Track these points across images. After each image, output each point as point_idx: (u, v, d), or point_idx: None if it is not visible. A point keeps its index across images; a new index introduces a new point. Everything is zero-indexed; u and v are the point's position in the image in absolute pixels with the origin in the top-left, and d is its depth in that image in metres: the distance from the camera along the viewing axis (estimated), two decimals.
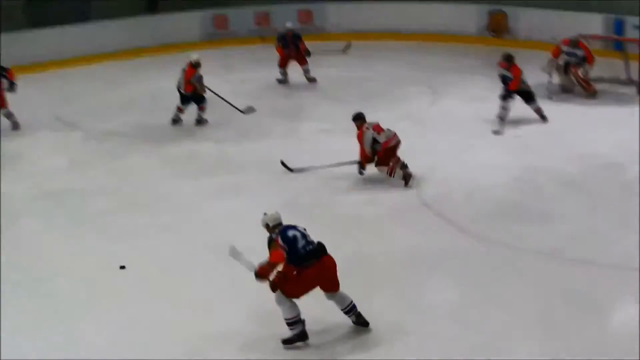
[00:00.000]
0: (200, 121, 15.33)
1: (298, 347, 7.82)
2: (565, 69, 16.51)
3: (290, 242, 7.73)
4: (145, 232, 10.53)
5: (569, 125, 14.57)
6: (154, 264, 9.64)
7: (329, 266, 7.81)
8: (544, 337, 7.87)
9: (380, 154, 11.78)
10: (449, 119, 15.28)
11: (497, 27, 21.90)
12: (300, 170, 12.43)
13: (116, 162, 13.30)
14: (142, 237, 10.36)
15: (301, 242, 7.76)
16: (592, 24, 19.33)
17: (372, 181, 11.98)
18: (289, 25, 18.35)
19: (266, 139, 14.35)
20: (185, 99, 15.14)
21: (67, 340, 8.11)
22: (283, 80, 18.17)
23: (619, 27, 19.56)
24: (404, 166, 11.78)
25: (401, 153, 11.98)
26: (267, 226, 7.99)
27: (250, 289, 8.15)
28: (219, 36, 22.82)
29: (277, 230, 7.88)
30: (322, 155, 12.69)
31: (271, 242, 7.85)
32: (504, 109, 14.69)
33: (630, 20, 19.36)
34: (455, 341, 7.83)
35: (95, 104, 16.88)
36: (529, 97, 14.99)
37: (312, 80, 18.15)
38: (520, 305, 8.44)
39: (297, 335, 7.76)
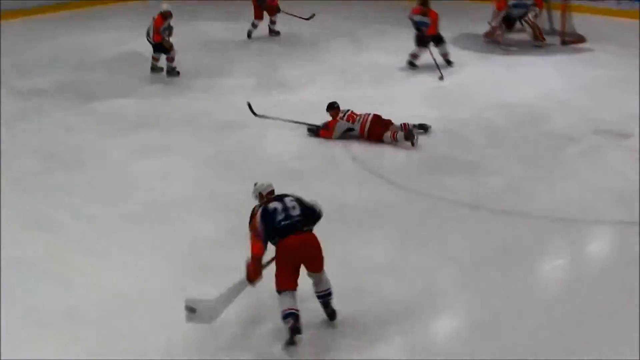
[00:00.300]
0: (170, 72, 15.17)
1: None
2: (508, 23, 16.70)
3: (268, 218, 7.15)
4: (73, 190, 10.30)
5: (494, 76, 14.78)
6: (82, 223, 9.43)
7: (307, 243, 7.14)
8: (477, 288, 7.92)
9: (365, 136, 11.71)
10: (374, 71, 15.36)
11: None
12: (263, 116, 12.37)
13: (42, 120, 12.99)
14: (70, 196, 10.14)
15: (279, 216, 7.15)
16: None
17: (302, 136, 11.96)
18: None
19: (192, 94, 14.23)
20: (156, 48, 15.04)
21: None
22: (250, 34, 18.01)
23: None
24: (406, 128, 11.59)
25: (323, 105, 12.04)
26: (260, 196, 7.54)
27: (182, 245, 8.13)
28: None
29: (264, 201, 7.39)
30: (256, 109, 12.62)
31: (251, 219, 7.37)
32: (416, 55, 15.14)
33: None
34: (391, 295, 7.80)
35: (19, 60, 16.45)
36: (440, 40, 15.26)
37: (276, 33, 18.10)
38: (452, 257, 8.46)
39: (289, 328, 6.96)
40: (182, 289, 7.52)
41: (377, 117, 11.72)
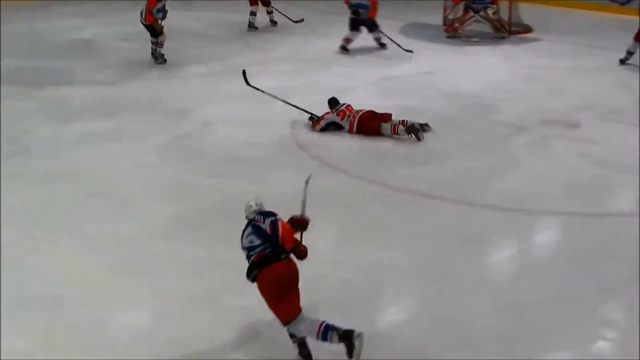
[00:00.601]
0: (156, 57, 15.02)
1: None
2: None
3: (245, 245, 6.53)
4: (23, 179, 10.07)
5: (443, 67, 14.87)
6: (29, 210, 9.23)
7: (283, 275, 6.37)
8: (428, 276, 7.89)
9: (354, 132, 11.49)
10: (327, 60, 15.35)
11: None
12: (256, 88, 12.24)
13: None
14: (16, 183, 9.89)
15: (253, 243, 6.46)
16: None
17: (253, 124, 11.91)
18: None
19: (145, 81, 14.14)
20: (149, 31, 14.90)
21: None
22: (253, 24, 17.80)
23: None
24: (405, 123, 11.30)
25: (278, 92, 12.05)
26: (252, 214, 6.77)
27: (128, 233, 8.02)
28: None
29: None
30: (208, 98, 12.71)
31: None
32: (350, 40, 15.67)
33: None
34: (342, 283, 7.74)
35: None
36: (374, 25, 15.69)
37: (274, 23, 18.03)
38: (403, 245, 8.44)
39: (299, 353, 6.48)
40: (126, 277, 7.54)
41: (370, 113, 11.51)
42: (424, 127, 11.37)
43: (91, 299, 7.42)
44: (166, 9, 14.84)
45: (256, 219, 6.65)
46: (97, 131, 11.62)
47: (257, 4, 17.80)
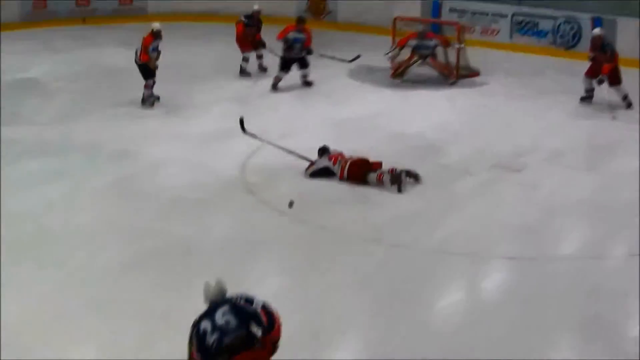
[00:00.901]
0: (144, 100, 14.75)
1: None
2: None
3: (200, 344, 5.63)
4: None
5: (390, 109, 14.89)
6: None
7: None
8: (374, 322, 7.84)
9: (344, 178, 11.26)
10: (270, 102, 15.35)
11: (317, 10, 22.11)
12: (253, 136, 12.13)
13: None
14: None
15: (209, 339, 5.57)
16: (411, 6, 19.79)
17: (198, 166, 11.80)
18: (256, 7, 17.46)
19: (86, 122, 13.98)
20: (143, 71, 14.63)
21: None
22: (245, 70, 17.25)
23: (436, 10, 20.08)
24: (393, 172, 11.05)
25: (226, 135, 11.97)
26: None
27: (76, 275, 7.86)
28: (39, 17, 21.88)
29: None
30: (153, 139, 12.64)
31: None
32: (280, 78, 15.99)
33: (448, 3, 19.92)
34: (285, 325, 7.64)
35: None
36: (305, 63, 16.09)
37: (264, 69, 17.41)
38: (348, 290, 8.38)
39: None
40: (74, 322, 7.43)
41: (361, 161, 11.33)
42: (414, 176, 11.19)
43: (25, 346, 7.27)
44: (159, 49, 14.66)
45: (237, 300, 5.89)
46: (37, 172, 11.47)
47: (250, 49, 17.23)
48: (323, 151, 11.60)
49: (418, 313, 8.00)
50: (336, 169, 11.34)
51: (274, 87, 15.98)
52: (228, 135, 12.46)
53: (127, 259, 8.83)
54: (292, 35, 15.91)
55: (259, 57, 17.35)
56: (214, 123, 13.51)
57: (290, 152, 11.83)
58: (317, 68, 16.44)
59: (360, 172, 11.21)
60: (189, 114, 14.39)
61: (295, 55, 16.04)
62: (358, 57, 16.82)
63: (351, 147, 12.05)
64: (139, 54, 14.60)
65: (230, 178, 11.41)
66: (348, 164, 11.28)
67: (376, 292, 8.35)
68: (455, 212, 10.36)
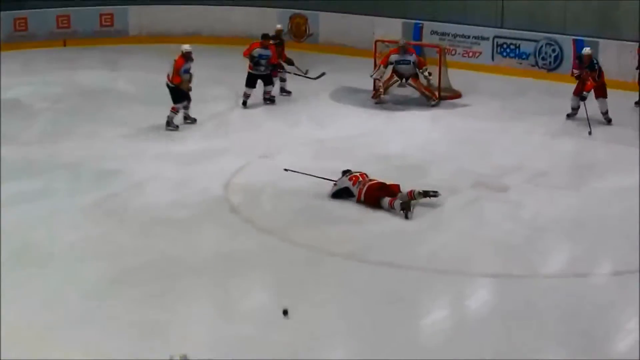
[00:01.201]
0: (169, 123, 14.55)
1: None
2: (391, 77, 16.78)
3: None
4: None
5: (373, 129, 14.91)
6: None
7: None
8: (363, 339, 7.83)
9: (362, 201, 11.19)
10: (253, 121, 15.37)
11: (298, 32, 22.22)
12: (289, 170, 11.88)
13: None
14: None
15: None
16: (392, 28, 19.84)
17: (182, 185, 11.83)
18: (279, 26, 17.75)
19: (70, 141, 13.96)
20: (174, 94, 14.46)
21: None
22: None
23: (417, 32, 20.14)
24: (405, 197, 10.97)
25: (210, 154, 11.98)
26: None
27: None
28: (20, 38, 21.86)
29: None
30: (130, 158, 12.61)
31: None
32: (248, 95, 16.14)
33: (429, 26, 19.99)
34: (273, 345, 7.64)
35: None
36: (269, 81, 16.34)
37: (288, 92, 17.24)
38: (335, 308, 8.41)
39: None
40: (59, 337, 7.43)
41: (379, 184, 11.27)
42: (432, 194, 11.11)
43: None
44: (191, 71, 14.54)
45: None
46: (22, 192, 11.44)
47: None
48: (345, 172, 11.55)
49: (403, 330, 8.00)
50: (355, 190, 11.29)
51: (244, 104, 16.08)
52: (212, 154, 12.46)
53: (112, 276, 8.81)
54: (257, 52, 15.98)
55: (283, 80, 17.20)
56: (198, 142, 13.50)
57: (324, 178, 11.67)
58: (300, 90, 16.55)
59: (376, 195, 11.12)
60: (173, 133, 14.41)
61: (262, 72, 16.11)
62: (323, 74, 17.10)
63: (331, 167, 12.05)
64: (170, 76, 14.45)
65: (214, 197, 11.42)
66: (366, 187, 11.21)
67: (361, 310, 8.35)
68: (440, 230, 10.43)
